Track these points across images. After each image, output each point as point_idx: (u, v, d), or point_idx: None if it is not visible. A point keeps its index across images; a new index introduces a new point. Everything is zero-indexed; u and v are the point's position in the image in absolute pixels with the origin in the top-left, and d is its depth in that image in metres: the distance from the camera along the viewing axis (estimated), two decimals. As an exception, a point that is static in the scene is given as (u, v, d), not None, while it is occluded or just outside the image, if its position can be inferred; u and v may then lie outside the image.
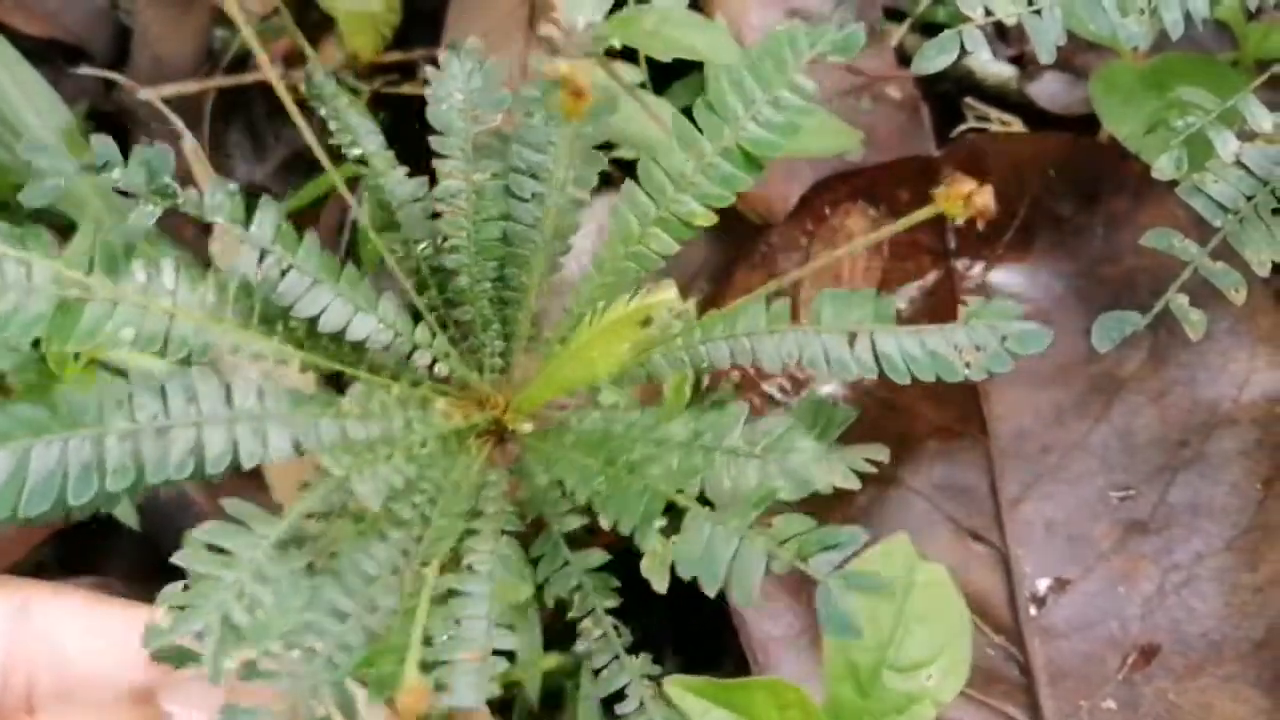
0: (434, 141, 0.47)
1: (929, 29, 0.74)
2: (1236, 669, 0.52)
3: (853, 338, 0.46)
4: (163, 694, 0.39)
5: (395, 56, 0.69)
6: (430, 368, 0.48)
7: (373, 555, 0.41)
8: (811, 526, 0.36)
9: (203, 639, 0.34)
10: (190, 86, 0.68)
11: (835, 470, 0.45)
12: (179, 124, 0.61)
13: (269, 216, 0.44)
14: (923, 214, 0.34)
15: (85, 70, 0.67)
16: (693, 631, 0.57)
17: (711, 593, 0.37)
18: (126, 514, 0.54)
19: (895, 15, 0.74)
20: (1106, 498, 0.55)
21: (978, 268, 0.62)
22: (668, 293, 0.40)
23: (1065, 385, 0.58)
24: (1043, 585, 0.54)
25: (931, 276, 0.61)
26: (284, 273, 0.44)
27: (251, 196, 0.45)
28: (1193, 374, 0.56)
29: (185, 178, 0.46)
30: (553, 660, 0.54)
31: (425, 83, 0.49)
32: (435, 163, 0.47)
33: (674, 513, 0.40)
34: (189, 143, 0.61)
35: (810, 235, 0.62)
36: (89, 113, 0.67)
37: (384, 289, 0.48)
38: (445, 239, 0.48)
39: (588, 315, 0.44)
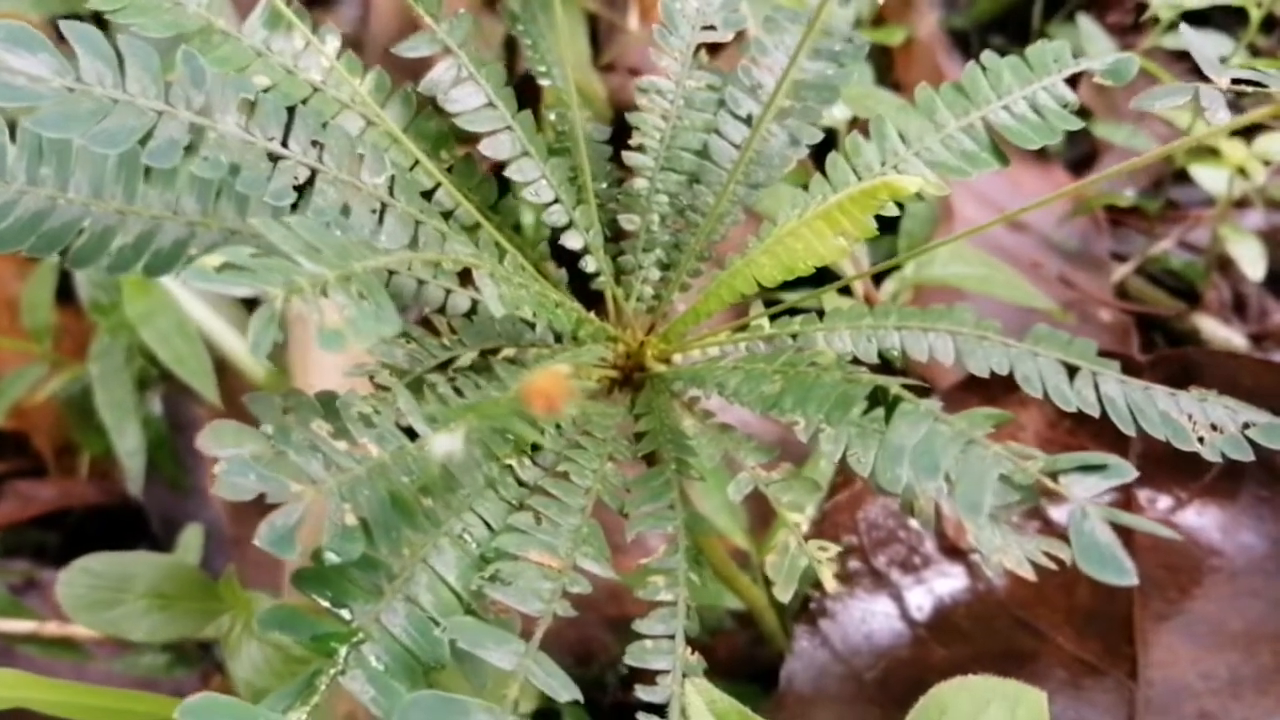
0: (656, 33, 0.43)
1: (1155, 278, 0.70)
2: None
3: (1073, 371, 0.41)
4: None
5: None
6: (574, 263, 0.41)
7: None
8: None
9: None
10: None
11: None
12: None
13: (463, 24, 0.40)
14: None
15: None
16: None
17: (931, 488, 0.30)
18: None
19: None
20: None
21: (1164, 502, 0.51)
22: (913, 181, 0.33)
23: (1248, 654, 0.47)
24: None
25: (1103, 500, 0.52)
26: (459, 82, 0.39)
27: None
28: None
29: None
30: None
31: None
32: (652, 54, 0.43)
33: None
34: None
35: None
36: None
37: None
38: (635, 130, 0.43)
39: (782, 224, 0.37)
